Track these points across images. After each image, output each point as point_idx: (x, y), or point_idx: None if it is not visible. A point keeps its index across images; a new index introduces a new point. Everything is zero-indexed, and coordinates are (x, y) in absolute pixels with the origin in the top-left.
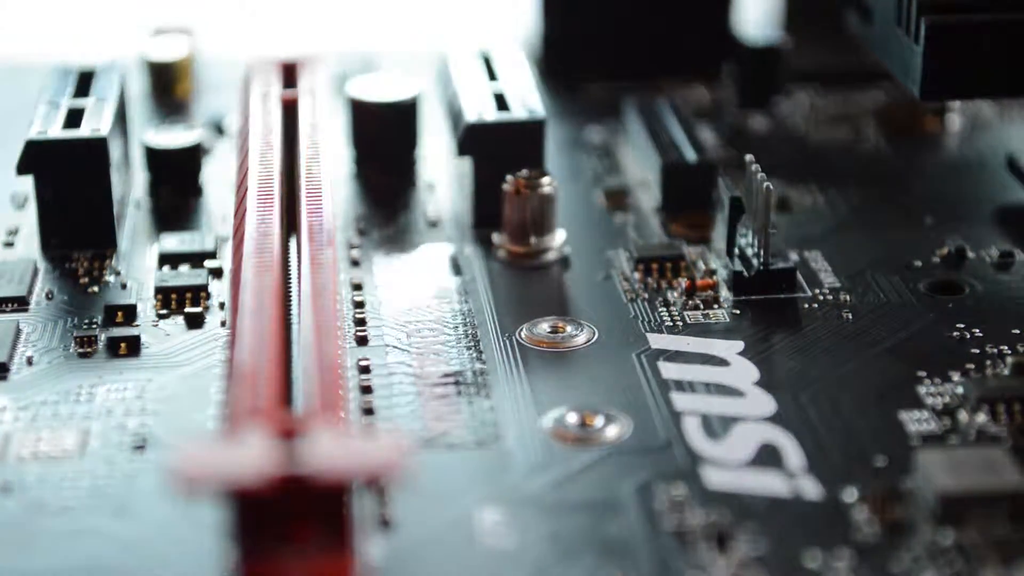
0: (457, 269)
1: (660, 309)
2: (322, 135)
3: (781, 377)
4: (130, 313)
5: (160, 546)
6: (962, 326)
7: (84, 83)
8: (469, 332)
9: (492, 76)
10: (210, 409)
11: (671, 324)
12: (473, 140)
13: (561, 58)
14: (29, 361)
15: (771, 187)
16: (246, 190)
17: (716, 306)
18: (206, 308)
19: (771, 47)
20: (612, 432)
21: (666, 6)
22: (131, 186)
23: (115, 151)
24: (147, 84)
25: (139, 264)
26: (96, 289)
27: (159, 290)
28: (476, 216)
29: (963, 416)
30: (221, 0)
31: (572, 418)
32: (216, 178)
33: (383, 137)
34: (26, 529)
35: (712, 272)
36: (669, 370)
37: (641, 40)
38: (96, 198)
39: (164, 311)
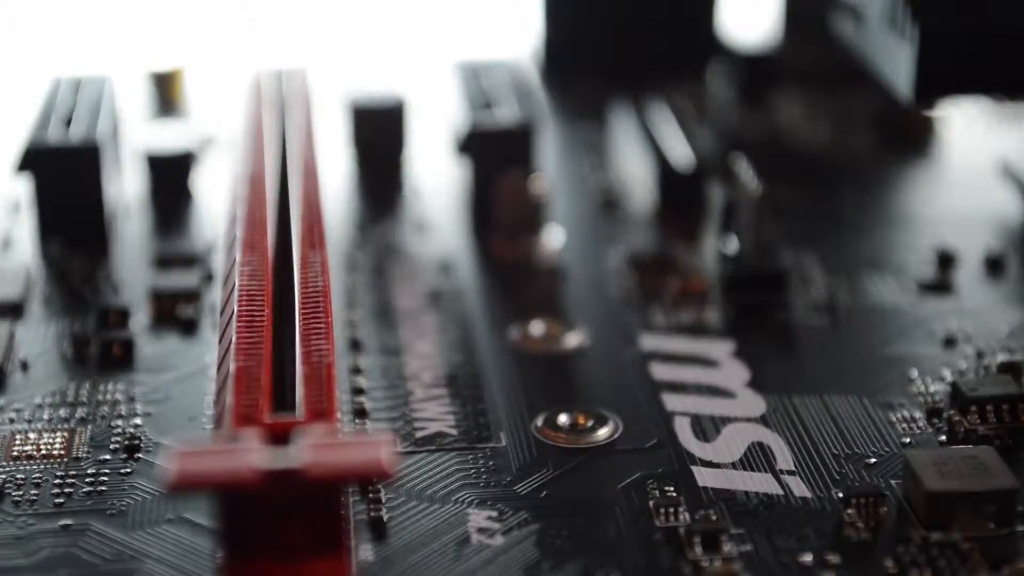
0: (451, 270)
1: (652, 310)
2: (316, 139)
3: (771, 378)
4: (123, 316)
5: (152, 547)
6: (953, 327)
7: (79, 92)
8: (461, 333)
9: (490, 79)
10: (203, 411)
11: (663, 325)
12: (469, 142)
13: (557, 59)
14: (24, 364)
15: (763, 188)
16: (239, 194)
17: (708, 307)
18: (199, 311)
19: (765, 48)
20: (603, 432)
21: (661, 7)
22: (125, 191)
23: (109, 157)
24: (144, 92)
25: (132, 267)
26: (90, 292)
27: (152, 293)
28: (470, 218)
29: (952, 417)
30: (222, 7)
31: (563, 418)
32: (211, 183)
33: (378, 139)
34: (20, 530)
35: (704, 273)
36: (660, 371)
37: (637, 41)
38: (90, 202)
39: (157, 314)
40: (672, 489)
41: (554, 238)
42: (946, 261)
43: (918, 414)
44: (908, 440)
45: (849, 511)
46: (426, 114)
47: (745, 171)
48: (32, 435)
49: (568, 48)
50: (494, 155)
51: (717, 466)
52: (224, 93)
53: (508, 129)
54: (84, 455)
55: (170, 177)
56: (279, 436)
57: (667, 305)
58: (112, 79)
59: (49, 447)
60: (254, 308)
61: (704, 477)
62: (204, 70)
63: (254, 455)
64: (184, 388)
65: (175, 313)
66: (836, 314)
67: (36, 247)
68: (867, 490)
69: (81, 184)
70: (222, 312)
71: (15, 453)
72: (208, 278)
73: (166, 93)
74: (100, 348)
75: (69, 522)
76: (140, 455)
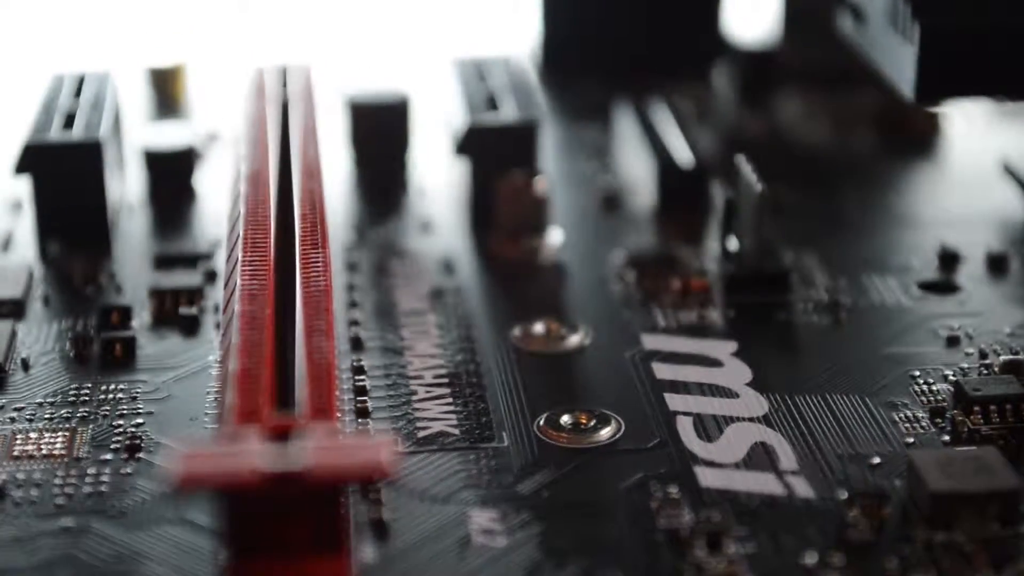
0: (452, 270)
1: (654, 310)
2: (318, 137)
3: (774, 378)
4: (125, 315)
5: (154, 547)
6: (956, 327)
7: (80, 89)
8: (463, 333)
9: (490, 78)
10: (205, 410)
11: (664, 325)
12: (470, 141)
13: (558, 59)
14: (24, 363)
15: (764, 188)
16: (241, 193)
17: (710, 307)
18: (201, 310)
19: (766, 48)
20: (605, 433)
21: (661, 7)
22: (127, 189)
23: (110, 154)
24: (144, 89)
25: (134, 266)
26: (91, 291)
27: (154, 292)
28: (471, 217)
29: (956, 416)
30: (221, 5)
31: (566, 418)
32: (212, 182)
33: (379, 138)
34: (21, 530)
35: (706, 273)
36: (662, 371)
37: (636, 41)
38: (91, 201)
39: (159, 313)
40: (674, 490)
41: (555, 238)
42: (949, 260)
43: (921, 414)
44: (911, 440)
45: (852, 512)
46: (427, 113)
47: (746, 171)
48: (33, 435)
49: (568, 47)
50: (495, 155)
51: (719, 466)
52: (226, 90)
53: (509, 128)
54: (85, 455)
55: (172, 175)
56: (281, 436)
57: (669, 305)
58: (113, 76)
59: (50, 447)
60: (256, 307)
61: (706, 477)
62: (206, 67)
63: (256, 456)
64: (186, 387)
65: (177, 312)
66: (838, 313)
67: (37, 246)
68: (870, 490)
69: (83, 182)
70: (224, 311)
71: (16, 453)
72: (210, 277)
73: (167, 90)
74: (101, 347)
75: (70, 523)
76: (141, 455)
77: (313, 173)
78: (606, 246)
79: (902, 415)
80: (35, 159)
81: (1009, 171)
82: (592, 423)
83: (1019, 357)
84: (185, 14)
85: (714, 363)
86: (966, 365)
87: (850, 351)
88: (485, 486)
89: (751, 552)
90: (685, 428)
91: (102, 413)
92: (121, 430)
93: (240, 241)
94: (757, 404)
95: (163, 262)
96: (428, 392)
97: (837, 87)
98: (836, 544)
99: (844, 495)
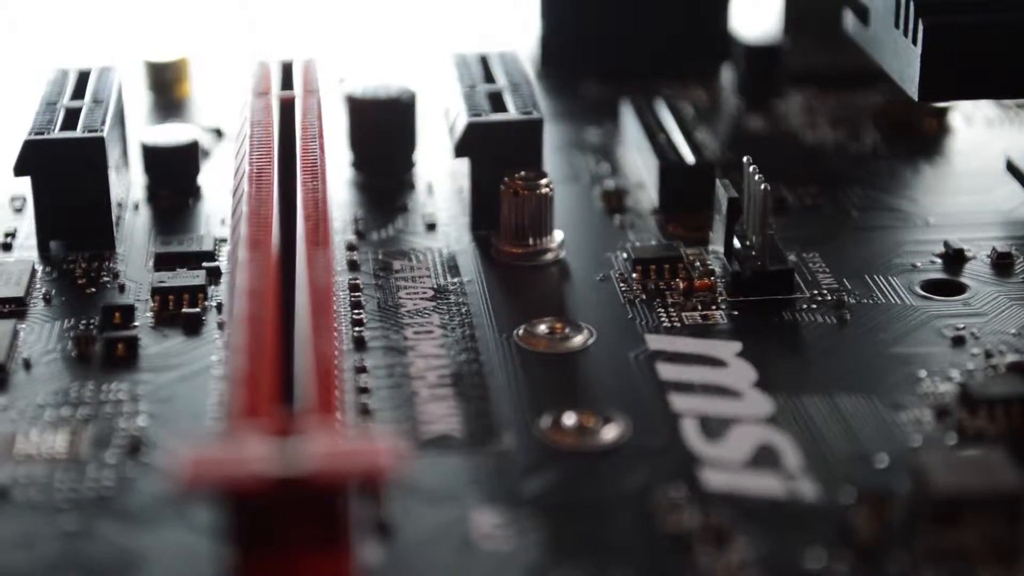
0: (455, 270)
1: (658, 310)
2: (321, 135)
3: (779, 378)
4: (127, 314)
5: (156, 548)
6: (961, 327)
7: (81, 84)
8: (466, 333)
9: (490, 77)
10: (207, 411)
11: (669, 325)
12: (471, 141)
13: (559, 59)
14: (26, 363)
15: (768, 188)
16: (243, 191)
17: (714, 307)
18: (204, 309)
19: (769, 48)
20: (609, 433)
21: (664, 7)
22: (129, 187)
23: (113, 151)
24: (146, 85)
25: (137, 265)
26: (93, 290)
27: (156, 291)
28: (474, 217)
29: (961, 417)
30: (222, 1)
31: (569, 419)
32: (215, 180)
33: (381, 137)
34: (23, 531)
35: (710, 273)
36: (667, 371)
37: (639, 41)
38: (94, 199)
39: (162, 312)
40: (679, 490)
41: (559, 237)
42: (954, 260)
43: (926, 414)
44: (916, 440)
45: (857, 512)
46: (431, 111)
47: (751, 170)
48: (35, 435)
49: (572, 46)
50: (499, 153)
51: (724, 467)
52: (230, 86)
53: (514, 127)
54: (87, 455)
55: (175, 172)
56: (283, 436)
57: (673, 305)
58: (117, 71)
59: (52, 447)
60: (259, 307)
61: (711, 478)
62: (209, 62)
63: (259, 457)
64: (188, 387)
65: (180, 311)
66: (843, 313)
67: (40, 244)
68: (875, 491)
69: (85, 180)
70: (227, 311)
71: (18, 453)
72: (213, 276)
73: (171, 86)
74: (104, 347)
75: (72, 523)
76: (144, 455)
77: (317, 171)
78: (610, 246)
79: (907, 415)
80: (38, 156)
81: (1013, 169)
82: (596, 424)
83: None
84: (187, 8)
85: (719, 363)
86: (972, 366)
87: (855, 351)
88: (488, 487)
89: (756, 553)
90: (690, 429)
91: (104, 413)
92: (123, 430)
93: (243, 240)
94: (762, 405)
95: (166, 261)
96: (431, 392)
97: (842, 86)
98: (841, 545)
99: (849, 496)
